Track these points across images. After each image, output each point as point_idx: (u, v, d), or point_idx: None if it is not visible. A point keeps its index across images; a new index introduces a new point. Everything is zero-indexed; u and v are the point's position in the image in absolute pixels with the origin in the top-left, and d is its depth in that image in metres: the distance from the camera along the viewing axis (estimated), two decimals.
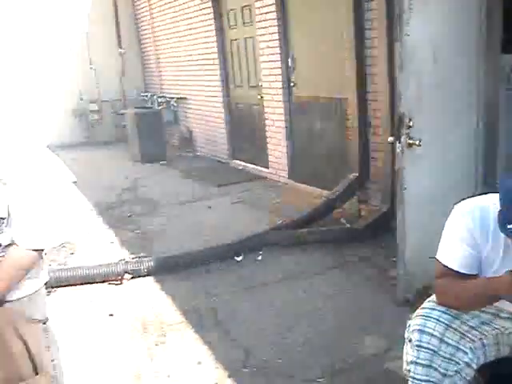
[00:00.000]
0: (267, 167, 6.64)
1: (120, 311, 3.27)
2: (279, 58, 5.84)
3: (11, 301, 1.57)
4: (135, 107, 8.86)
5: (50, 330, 1.75)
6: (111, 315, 3.22)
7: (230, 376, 2.57)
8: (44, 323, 1.71)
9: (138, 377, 2.59)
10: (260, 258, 4.04)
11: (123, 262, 3.78)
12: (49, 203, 1.51)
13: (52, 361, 1.70)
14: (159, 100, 9.20)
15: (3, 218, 1.48)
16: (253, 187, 6.37)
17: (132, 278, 3.70)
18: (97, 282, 3.64)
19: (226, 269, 3.87)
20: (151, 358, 2.76)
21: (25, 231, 1.49)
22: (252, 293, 3.48)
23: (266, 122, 6.35)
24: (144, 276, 3.73)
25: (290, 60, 5.78)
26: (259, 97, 6.43)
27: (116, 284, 3.64)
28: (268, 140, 6.42)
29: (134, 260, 3.80)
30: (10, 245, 1.53)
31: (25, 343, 1.61)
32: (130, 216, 5.36)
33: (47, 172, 1.53)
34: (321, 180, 5.46)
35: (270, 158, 6.50)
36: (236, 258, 4.01)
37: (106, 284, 3.67)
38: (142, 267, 3.71)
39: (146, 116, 8.26)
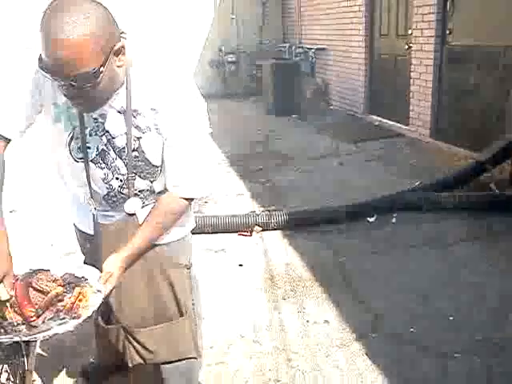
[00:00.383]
0: (407, 124, 6.30)
1: (249, 262, 3.38)
2: (436, 2, 5.38)
3: (161, 245, 1.67)
4: (272, 58, 8.86)
5: (194, 276, 1.86)
6: (241, 265, 3.34)
7: (357, 339, 2.54)
8: (188, 268, 1.81)
9: (265, 329, 2.67)
10: (394, 220, 3.89)
11: (255, 214, 3.87)
12: (200, 153, 1.55)
13: (193, 305, 1.81)
14: (297, 51, 9.11)
15: (157, 166, 1.55)
16: (389, 145, 6.12)
17: (262, 230, 3.78)
18: (227, 232, 3.78)
19: (358, 229, 3.79)
20: (278, 310, 2.82)
21: (178, 180, 1.55)
22: (384, 256, 3.38)
23: (412, 74, 5.98)
24: (274, 229, 3.80)
25: (448, 3, 5.30)
26: (406, 47, 6.06)
27: (246, 235, 3.76)
28: (411, 94, 6.07)
29: (266, 213, 3.87)
30: (162, 191, 1.62)
31: (172, 286, 1.72)
32: (260, 169, 5.46)
33: (199, 121, 1.55)
34: (469, 140, 5.06)
35: (412, 114, 6.15)
36: (368, 218, 3.90)
37: (235, 235, 3.80)
38: (273, 220, 3.77)
39: (283, 67, 8.23)
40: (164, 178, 1.59)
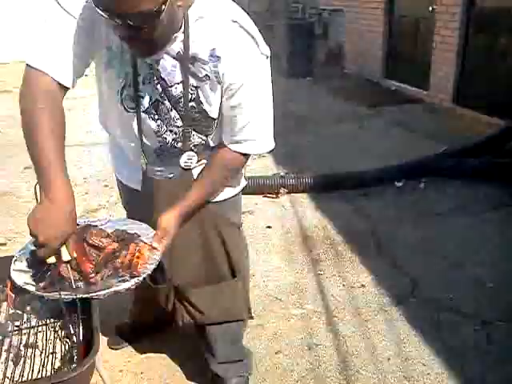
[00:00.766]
0: (427, 89, 6.16)
1: (278, 224, 3.31)
2: None
3: (214, 203, 1.59)
4: (284, 18, 8.59)
5: (244, 235, 1.79)
6: (269, 227, 3.27)
7: (395, 304, 2.50)
8: (239, 228, 1.74)
9: (300, 291, 2.63)
10: (422, 185, 3.82)
11: (280, 176, 3.79)
12: (264, 106, 1.44)
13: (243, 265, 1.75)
14: (310, 12, 8.83)
15: (214, 119, 1.44)
16: (408, 110, 5.99)
17: (288, 193, 3.71)
18: (253, 194, 3.70)
19: (386, 194, 3.71)
20: (312, 273, 2.77)
21: (239, 135, 1.45)
22: (415, 221, 3.31)
23: (435, 37, 5.80)
24: (300, 192, 3.72)
25: None
26: (430, 8, 5.84)
27: (272, 197, 3.68)
28: (433, 58, 5.90)
29: (292, 175, 3.79)
30: (216, 146, 1.52)
31: (225, 245, 1.65)
32: (279, 132, 5.31)
33: (264, 70, 1.41)
34: (494, 107, 4.94)
35: (432, 79, 6.00)
36: (396, 183, 3.82)
37: (260, 197, 3.72)
38: (299, 183, 3.69)
39: (295, 28, 7.99)
40: (220, 132, 1.49)
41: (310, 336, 2.30)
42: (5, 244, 3.07)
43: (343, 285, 2.67)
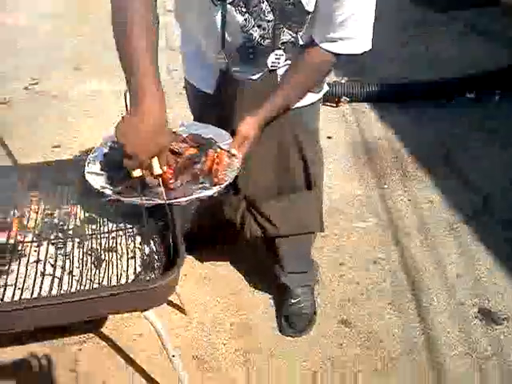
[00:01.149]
0: None
1: (339, 135, 3.23)
2: None
3: (293, 108, 1.52)
4: None
5: (320, 144, 1.74)
6: (329, 138, 3.21)
7: (466, 221, 2.46)
8: (316, 136, 1.70)
9: (363, 205, 2.61)
10: (497, 98, 3.61)
11: (340, 83, 3.64)
12: (367, 2, 1.32)
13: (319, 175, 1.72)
14: None
15: (309, 13, 1.32)
16: (485, 14, 5.56)
17: (349, 102, 3.59)
18: None
19: (456, 106, 3.53)
20: (376, 187, 2.73)
21: (336, 32, 1.34)
22: (489, 135, 3.17)
23: None
24: (362, 102, 3.59)
25: None
26: None
27: (332, 106, 3.57)
28: None
29: (353, 83, 3.64)
30: (304, 45, 1.42)
31: (303, 154, 1.62)
32: None
33: None
34: None
35: None
36: (468, 94, 3.63)
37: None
38: (362, 91, 3.55)
39: None
40: (311, 30, 1.38)
41: (375, 250, 2.31)
42: (59, 146, 3.13)
43: (409, 200, 2.63)
